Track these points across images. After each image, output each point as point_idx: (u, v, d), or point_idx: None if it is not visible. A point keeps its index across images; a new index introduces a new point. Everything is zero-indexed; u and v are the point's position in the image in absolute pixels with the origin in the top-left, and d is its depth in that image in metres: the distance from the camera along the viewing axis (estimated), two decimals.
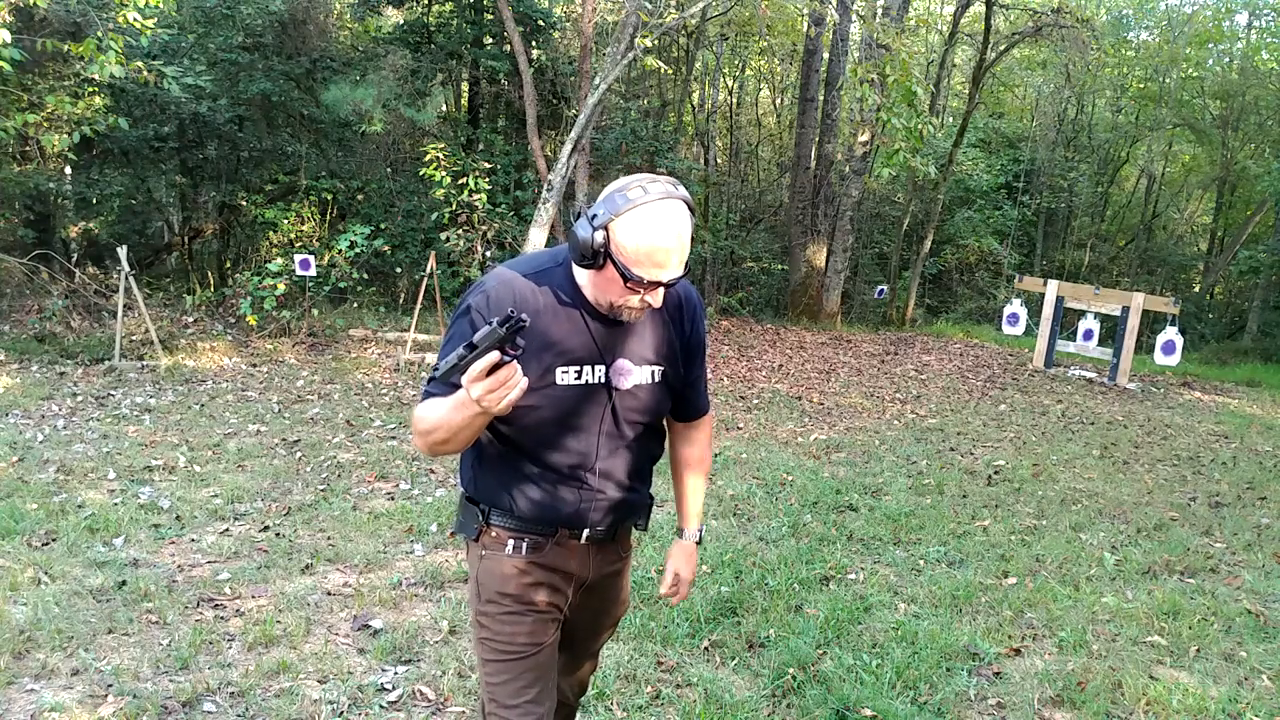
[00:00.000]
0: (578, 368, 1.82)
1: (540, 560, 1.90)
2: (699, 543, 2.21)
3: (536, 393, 1.77)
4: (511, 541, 1.89)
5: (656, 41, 10.65)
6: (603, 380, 1.85)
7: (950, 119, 20.46)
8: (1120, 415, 8.92)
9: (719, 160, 17.50)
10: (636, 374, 1.88)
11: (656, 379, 1.92)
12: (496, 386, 1.56)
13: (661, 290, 1.76)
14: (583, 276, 1.82)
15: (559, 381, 1.81)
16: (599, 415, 1.87)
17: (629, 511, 1.99)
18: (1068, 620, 3.87)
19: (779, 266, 15.91)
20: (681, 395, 2.04)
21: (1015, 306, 12.04)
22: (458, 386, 1.65)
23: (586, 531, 1.92)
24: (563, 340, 1.81)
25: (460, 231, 10.15)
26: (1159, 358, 10.60)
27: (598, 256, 1.72)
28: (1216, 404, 10.17)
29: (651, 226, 1.69)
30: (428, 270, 9.08)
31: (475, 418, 1.65)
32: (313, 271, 9.23)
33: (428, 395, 1.78)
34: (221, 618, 3.50)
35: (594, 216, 1.72)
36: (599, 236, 1.70)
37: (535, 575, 1.90)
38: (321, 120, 11.87)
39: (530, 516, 1.87)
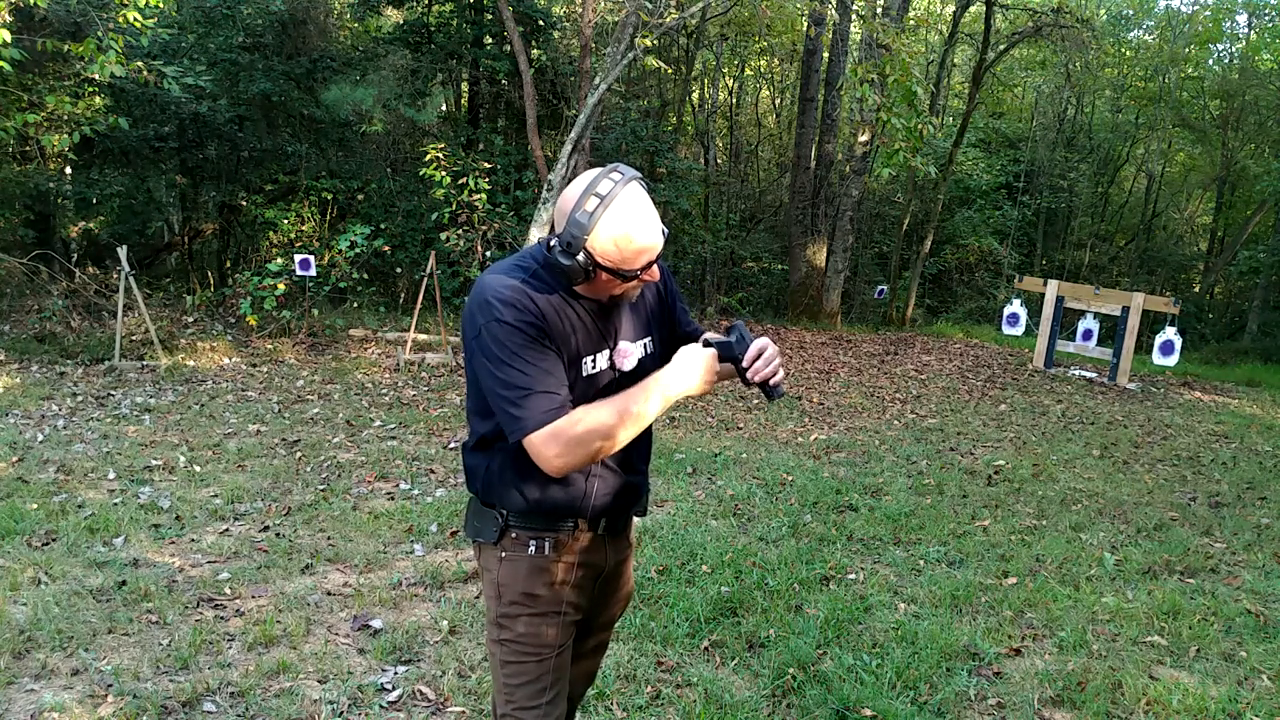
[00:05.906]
0: (593, 356, 1.87)
1: (563, 558, 1.92)
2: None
3: (572, 387, 1.83)
4: (533, 543, 1.90)
5: (656, 41, 10.64)
6: (609, 365, 1.90)
7: (950, 119, 20.47)
8: (1120, 415, 8.92)
9: (719, 160, 17.52)
10: (634, 352, 1.94)
11: (650, 349, 1.98)
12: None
13: (654, 265, 1.82)
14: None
15: (584, 373, 1.85)
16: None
17: (635, 496, 2.02)
18: (1068, 620, 3.87)
19: (779, 266, 15.92)
20: (674, 340, 2.06)
21: (1015, 306, 12.03)
22: (541, 396, 1.75)
23: (603, 521, 1.94)
24: (576, 332, 1.84)
25: (460, 231, 10.15)
26: (1157, 358, 10.60)
27: (588, 274, 1.74)
28: (1216, 404, 10.17)
29: (625, 225, 1.71)
30: (428, 270, 9.08)
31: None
32: (313, 271, 9.24)
33: (545, 418, 1.73)
34: (221, 618, 3.50)
35: (568, 245, 1.70)
36: (582, 259, 1.71)
37: (559, 574, 1.92)
38: (321, 120, 11.87)
39: (544, 510, 1.88)
